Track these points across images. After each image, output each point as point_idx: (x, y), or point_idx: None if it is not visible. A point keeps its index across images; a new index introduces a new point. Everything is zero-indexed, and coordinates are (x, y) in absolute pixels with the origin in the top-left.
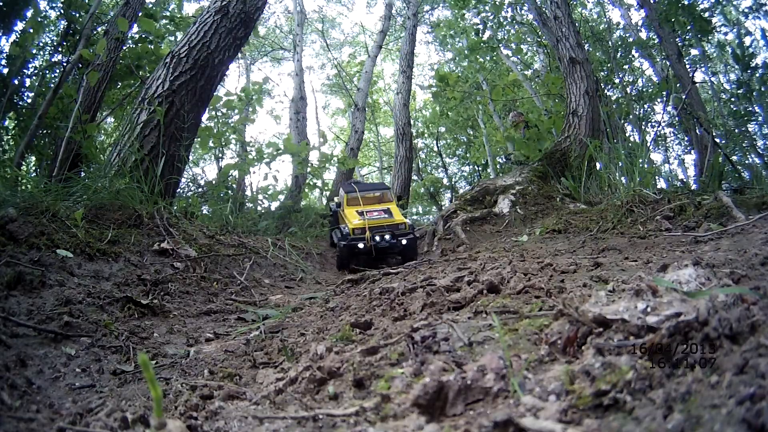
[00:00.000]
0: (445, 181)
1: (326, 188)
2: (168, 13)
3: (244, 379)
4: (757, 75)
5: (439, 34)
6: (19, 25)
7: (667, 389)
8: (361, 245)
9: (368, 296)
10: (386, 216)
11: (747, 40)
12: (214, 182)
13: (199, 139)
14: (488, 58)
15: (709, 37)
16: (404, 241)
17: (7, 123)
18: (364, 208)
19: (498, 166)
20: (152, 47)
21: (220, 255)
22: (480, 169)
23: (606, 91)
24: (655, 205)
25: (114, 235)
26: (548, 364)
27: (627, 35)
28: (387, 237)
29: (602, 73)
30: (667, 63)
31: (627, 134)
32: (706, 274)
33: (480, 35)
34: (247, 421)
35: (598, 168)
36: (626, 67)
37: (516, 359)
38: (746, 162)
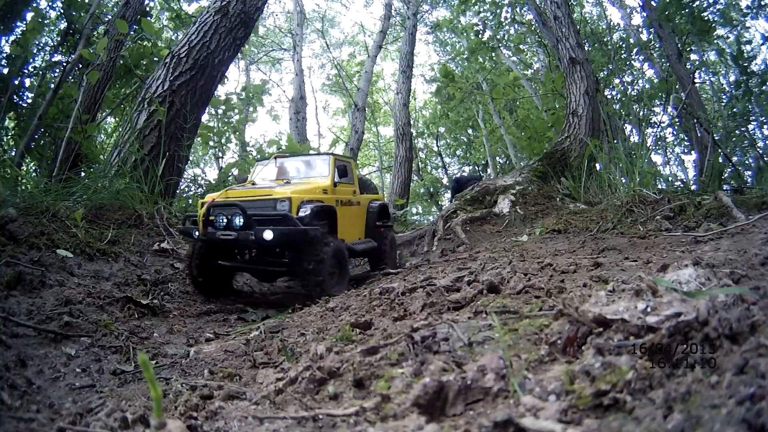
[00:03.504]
0: (445, 181)
1: None
2: (174, 7)
3: (244, 379)
4: (756, 77)
5: (441, 33)
6: (20, 26)
7: (667, 389)
8: (196, 233)
9: (368, 296)
10: (266, 187)
11: (747, 42)
12: (214, 182)
13: (199, 139)
14: (488, 57)
15: (709, 39)
16: (267, 235)
17: (7, 123)
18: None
19: (498, 166)
20: (152, 47)
21: None
22: (480, 169)
23: (606, 91)
24: (655, 205)
25: (114, 235)
26: (548, 364)
27: (627, 36)
28: (237, 221)
29: (602, 74)
30: (667, 63)
31: (627, 134)
32: (706, 274)
33: (480, 36)
34: (247, 421)
35: (598, 168)
36: (626, 68)
37: (516, 359)
38: (746, 162)
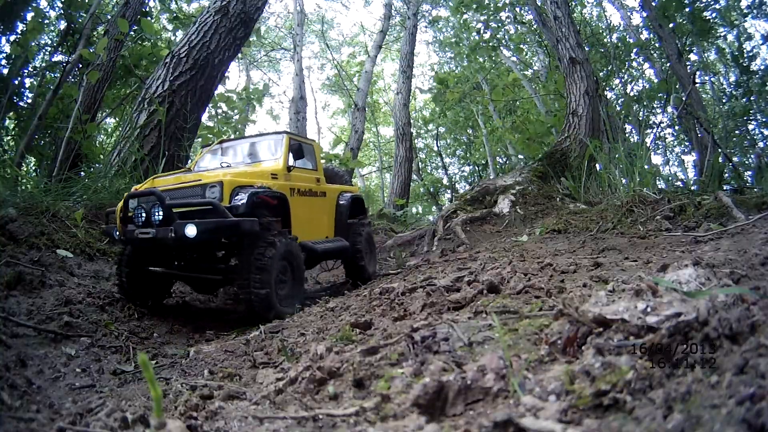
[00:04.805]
0: (445, 181)
1: None
2: (173, 8)
3: (244, 379)
4: (756, 77)
5: (441, 33)
6: (20, 26)
7: (667, 389)
8: (116, 233)
9: (368, 296)
10: (197, 172)
11: (747, 43)
12: None
13: (199, 139)
14: (488, 57)
15: (709, 39)
16: (189, 231)
17: (7, 123)
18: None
19: (498, 166)
20: (151, 47)
21: None
22: (480, 169)
23: (605, 92)
24: (655, 205)
25: None
26: (548, 364)
27: (627, 36)
28: (157, 214)
29: (602, 74)
30: (668, 64)
31: (627, 134)
32: (706, 274)
33: (480, 35)
34: (247, 421)
35: (598, 168)
36: (626, 68)
37: (516, 359)
38: (746, 162)
